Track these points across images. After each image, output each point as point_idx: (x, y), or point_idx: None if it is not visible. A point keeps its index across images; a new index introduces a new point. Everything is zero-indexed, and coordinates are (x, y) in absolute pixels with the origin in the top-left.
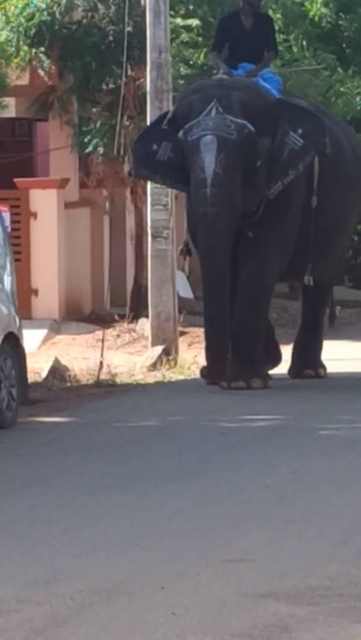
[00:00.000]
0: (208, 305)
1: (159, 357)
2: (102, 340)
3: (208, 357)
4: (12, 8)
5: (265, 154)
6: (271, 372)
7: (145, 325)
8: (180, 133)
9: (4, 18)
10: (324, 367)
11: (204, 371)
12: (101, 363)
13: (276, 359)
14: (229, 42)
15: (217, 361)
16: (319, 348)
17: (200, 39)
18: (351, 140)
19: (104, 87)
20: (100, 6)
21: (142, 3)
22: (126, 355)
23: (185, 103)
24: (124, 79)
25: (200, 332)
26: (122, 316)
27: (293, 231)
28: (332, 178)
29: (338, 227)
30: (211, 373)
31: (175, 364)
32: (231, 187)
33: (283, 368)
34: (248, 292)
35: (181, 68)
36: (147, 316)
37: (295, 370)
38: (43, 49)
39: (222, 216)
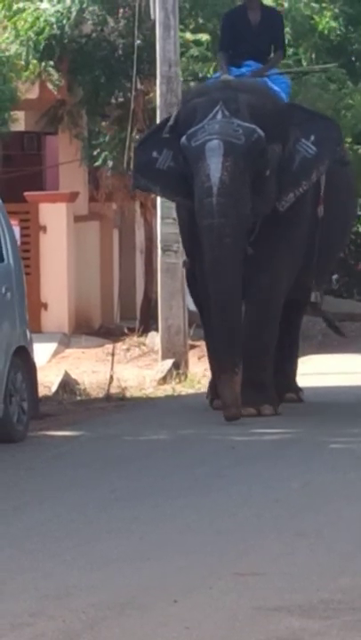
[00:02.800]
0: (218, 328)
1: (169, 371)
2: (112, 354)
3: (217, 377)
4: (22, 22)
5: (275, 162)
6: None
7: (155, 339)
8: (183, 139)
9: (13, 32)
10: (301, 390)
11: (211, 390)
12: (111, 376)
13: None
14: (234, 38)
15: (226, 383)
16: (296, 370)
17: (209, 54)
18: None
19: (113, 101)
20: (109, 20)
21: (152, 16)
22: (136, 368)
23: (188, 107)
24: (133, 93)
25: None
26: (131, 330)
27: (302, 245)
28: (336, 186)
29: (342, 238)
30: (222, 390)
31: (185, 378)
32: (239, 196)
33: None
34: (257, 311)
35: (191, 83)
36: (156, 330)
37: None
38: (52, 63)
39: (230, 228)
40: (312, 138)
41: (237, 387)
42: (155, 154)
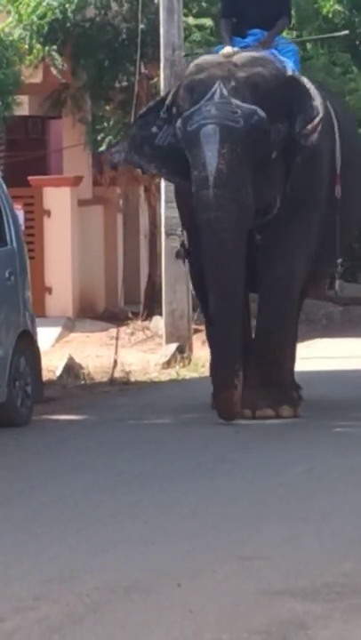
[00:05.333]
0: (217, 329)
1: (173, 355)
2: (116, 338)
3: (215, 392)
4: (25, 6)
5: (281, 143)
6: None
7: (159, 323)
8: (179, 122)
9: (16, 16)
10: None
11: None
12: (115, 361)
13: None
14: (238, 4)
15: (225, 402)
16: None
17: (212, 39)
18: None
19: (117, 85)
20: (113, 4)
21: (155, 0)
22: (140, 352)
23: (185, 85)
24: (137, 77)
25: None
26: (136, 314)
27: (319, 230)
28: (352, 163)
29: (358, 219)
30: (220, 412)
31: (189, 362)
32: (239, 186)
33: None
34: (274, 304)
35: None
36: (161, 314)
37: None
38: (55, 47)
39: (229, 222)
40: (313, 111)
41: (237, 407)
42: (154, 129)
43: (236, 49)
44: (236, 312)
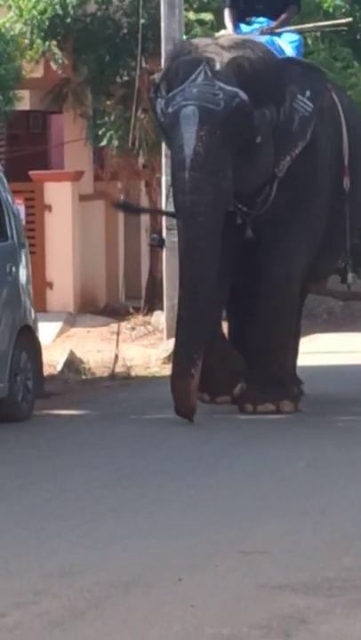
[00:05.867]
0: (183, 314)
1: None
2: (117, 333)
3: (171, 381)
4: (26, 1)
5: (267, 127)
6: None
7: (160, 318)
8: (162, 103)
9: (17, 11)
10: (302, 382)
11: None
12: (116, 355)
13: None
14: None
15: (180, 391)
16: (295, 360)
17: (214, 33)
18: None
19: (118, 80)
20: None
21: None
22: (141, 347)
23: (172, 66)
24: (138, 71)
25: None
26: (137, 309)
27: (322, 223)
28: (356, 155)
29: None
30: (176, 403)
31: None
32: (216, 169)
33: None
34: (273, 301)
35: None
36: (162, 309)
37: None
38: (56, 42)
39: (205, 205)
40: (308, 93)
41: (193, 397)
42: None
43: (227, 33)
44: (206, 298)
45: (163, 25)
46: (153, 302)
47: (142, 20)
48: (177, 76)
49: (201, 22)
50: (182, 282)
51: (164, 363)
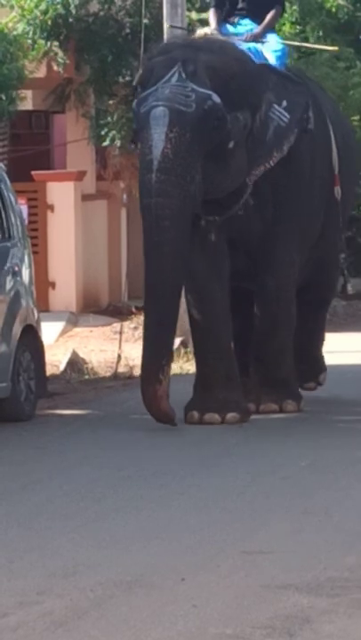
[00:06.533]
0: (149, 320)
1: (177, 349)
2: (120, 333)
3: (141, 387)
4: (28, 1)
5: (240, 133)
6: None
7: None
8: (134, 104)
9: (20, 10)
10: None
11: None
12: (119, 355)
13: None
14: None
15: (149, 397)
16: (315, 360)
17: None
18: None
19: (121, 79)
20: None
21: None
22: None
23: (147, 67)
24: (140, 71)
25: None
26: (139, 309)
27: (313, 229)
28: (347, 163)
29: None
30: (147, 407)
31: (193, 357)
32: (185, 172)
33: None
34: (267, 313)
35: None
36: None
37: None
38: (58, 42)
39: (170, 208)
40: (284, 103)
41: (163, 402)
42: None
43: (209, 32)
44: (170, 304)
45: (165, 25)
46: None
47: (145, 20)
48: (151, 77)
49: (203, 22)
50: (147, 286)
51: None
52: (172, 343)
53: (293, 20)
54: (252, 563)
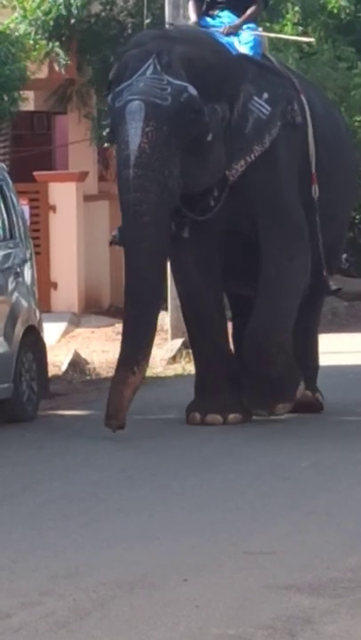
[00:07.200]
0: (126, 321)
1: (179, 350)
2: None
3: (109, 391)
4: (29, 2)
5: (219, 125)
6: None
7: (164, 318)
8: (109, 98)
9: (22, 11)
10: (320, 392)
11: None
12: None
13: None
14: None
15: (117, 382)
16: (316, 367)
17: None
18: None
19: None
20: None
21: None
22: None
23: (122, 60)
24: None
25: None
26: None
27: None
28: (331, 160)
29: (340, 223)
30: (107, 413)
31: None
32: (162, 167)
33: None
34: (265, 303)
35: None
36: (166, 309)
37: None
38: (58, 43)
39: (148, 204)
40: (265, 95)
41: (128, 392)
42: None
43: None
44: (149, 301)
45: (167, 25)
46: None
47: (147, 21)
48: (126, 71)
49: None
50: (126, 283)
51: (168, 363)
52: (150, 339)
53: (295, 20)
54: (254, 563)
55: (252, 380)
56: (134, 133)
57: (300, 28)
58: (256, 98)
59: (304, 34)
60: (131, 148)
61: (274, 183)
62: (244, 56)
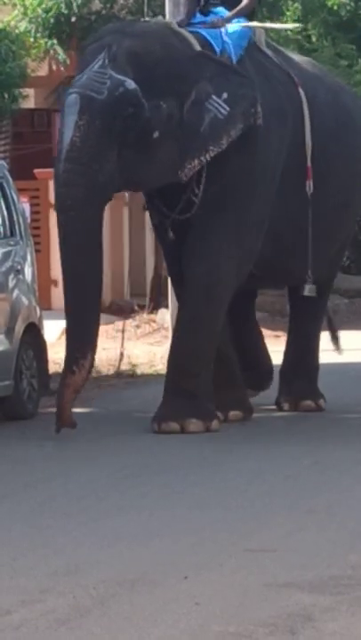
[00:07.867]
0: (68, 316)
1: None
2: (122, 331)
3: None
4: None
5: (166, 123)
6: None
7: (165, 316)
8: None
9: (22, 9)
10: (322, 396)
11: None
12: (122, 353)
13: (264, 377)
14: None
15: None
16: (316, 371)
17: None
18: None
19: None
20: None
21: None
22: (146, 345)
23: (84, 55)
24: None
25: None
26: (142, 307)
27: (260, 224)
28: (334, 154)
29: (341, 218)
30: (56, 413)
31: None
32: (91, 161)
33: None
34: (191, 305)
35: None
36: (167, 307)
37: (288, 400)
38: (59, 40)
39: (75, 199)
40: (224, 95)
41: (68, 393)
42: None
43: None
44: (82, 296)
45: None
46: (158, 300)
47: (147, 18)
48: (83, 64)
49: None
50: (63, 279)
51: None
52: (89, 338)
53: (296, 18)
54: (254, 561)
55: (168, 391)
56: (68, 127)
57: (301, 24)
58: (215, 97)
59: (304, 31)
60: (64, 142)
61: (248, 179)
62: (203, 54)
